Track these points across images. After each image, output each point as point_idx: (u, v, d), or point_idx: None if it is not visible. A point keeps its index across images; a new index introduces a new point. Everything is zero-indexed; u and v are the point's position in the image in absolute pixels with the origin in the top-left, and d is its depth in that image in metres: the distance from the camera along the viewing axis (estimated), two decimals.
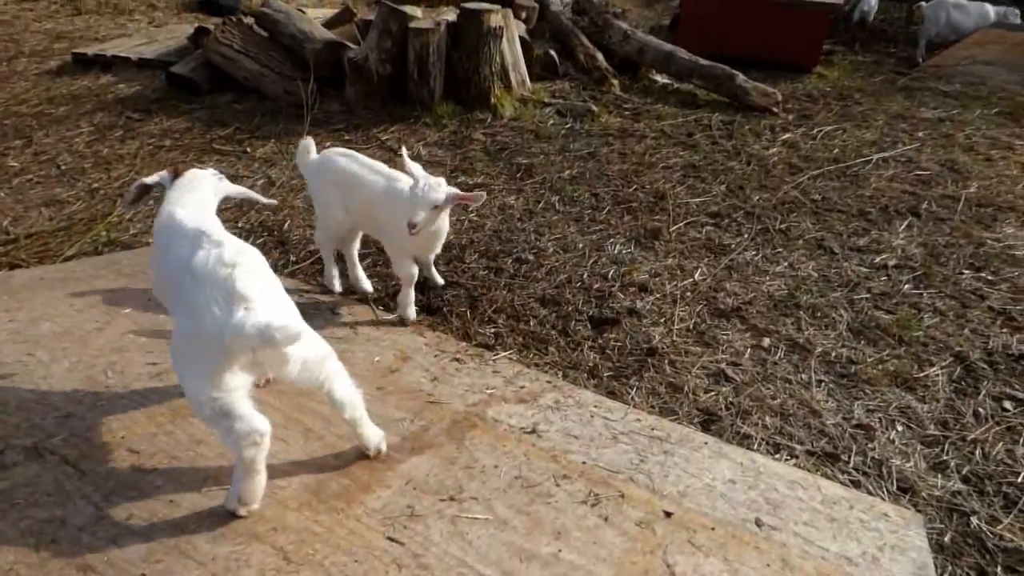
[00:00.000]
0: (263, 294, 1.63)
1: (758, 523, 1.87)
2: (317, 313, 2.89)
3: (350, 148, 4.78)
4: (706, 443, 2.23)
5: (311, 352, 1.71)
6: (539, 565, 1.64)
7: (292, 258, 3.55)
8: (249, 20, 5.97)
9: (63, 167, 4.71)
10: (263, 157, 4.73)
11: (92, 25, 8.28)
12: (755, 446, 2.33)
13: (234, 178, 4.47)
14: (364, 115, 5.32)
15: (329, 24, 6.62)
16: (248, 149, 4.83)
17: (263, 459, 1.63)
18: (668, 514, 1.85)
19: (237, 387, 1.61)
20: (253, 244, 3.36)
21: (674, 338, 2.89)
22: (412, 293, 2.89)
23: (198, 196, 2.10)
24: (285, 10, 5.91)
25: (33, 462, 1.88)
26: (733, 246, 3.62)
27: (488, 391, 2.42)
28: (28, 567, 1.56)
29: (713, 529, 1.82)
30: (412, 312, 2.90)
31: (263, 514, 1.73)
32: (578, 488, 1.93)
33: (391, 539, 1.68)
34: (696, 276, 3.34)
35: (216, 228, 1.88)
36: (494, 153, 4.77)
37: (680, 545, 1.74)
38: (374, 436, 1.94)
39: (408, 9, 5.43)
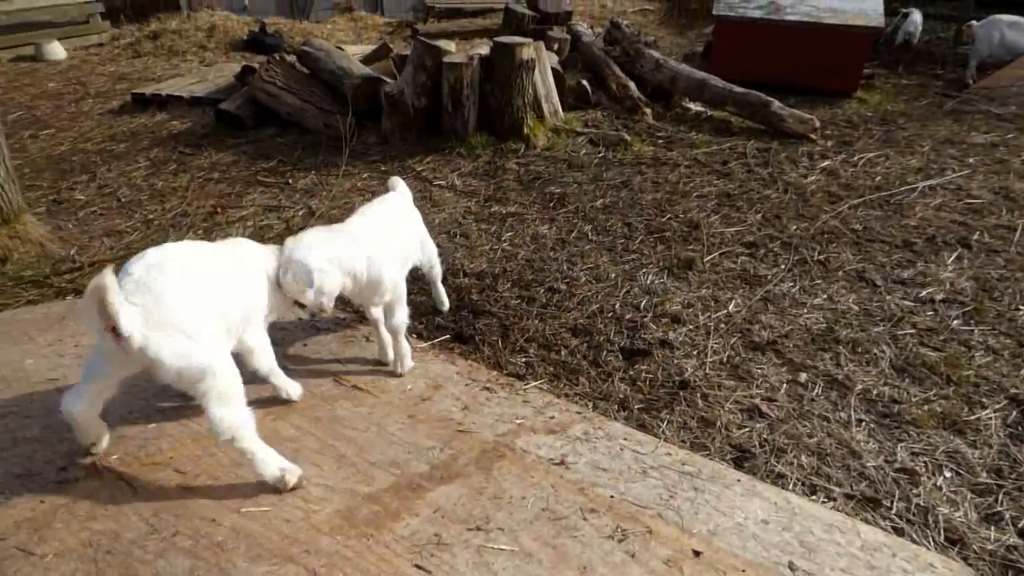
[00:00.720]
0: None
1: (791, 567, 1.83)
2: (353, 341, 2.97)
3: (386, 177, 4.98)
4: (738, 480, 2.20)
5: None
6: None
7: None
8: (291, 58, 6.24)
9: (123, 199, 4.97)
10: (304, 188, 4.90)
11: (149, 66, 8.77)
12: (790, 486, 2.28)
13: (275, 208, 4.66)
14: (400, 147, 5.48)
15: (367, 60, 6.87)
16: (290, 181, 5.02)
17: None
18: (697, 553, 1.83)
19: None
20: None
21: (707, 371, 2.87)
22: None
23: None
24: (325, 48, 6.16)
25: (93, 479, 1.98)
26: (769, 277, 3.58)
27: (518, 421, 2.44)
28: (89, 574, 1.64)
29: (744, 571, 1.79)
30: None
31: (297, 537, 1.78)
32: (605, 523, 1.93)
33: (418, 567, 1.71)
34: (730, 307, 3.31)
35: None
36: (527, 182, 4.84)
37: None
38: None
39: (442, 44, 5.61)
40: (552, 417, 2.49)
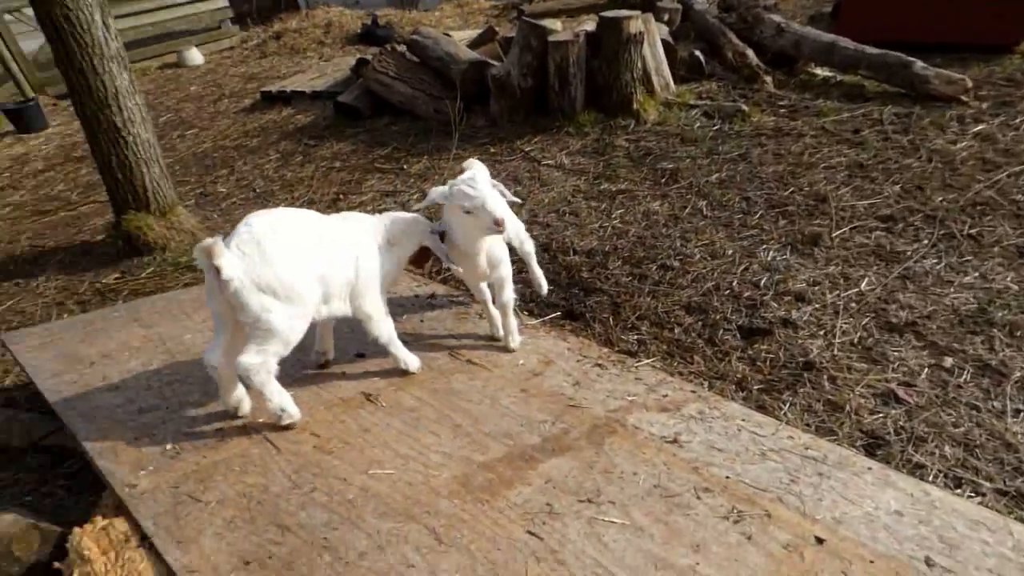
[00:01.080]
0: None
1: (928, 562, 1.70)
2: (467, 318, 3.06)
3: (495, 159, 5.08)
4: (869, 468, 2.05)
5: None
6: (675, 575, 1.63)
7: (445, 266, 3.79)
8: (402, 48, 6.47)
9: (258, 190, 5.42)
10: (417, 173, 5.09)
11: (275, 65, 9.42)
12: (930, 477, 2.11)
13: (392, 193, 4.88)
14: (508, 128, 5.54)
15: (473, 44, 6.97)
16: (404, 166, 5.23)
17: None
18: (820, 540, 1.74)
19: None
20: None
21: (835, 352, 2.70)
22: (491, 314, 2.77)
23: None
24: (433, 35, 6.32)
25: (244, 438, 2.21)
26: (909, 253, 3.29)
27: (629, 398, 2.43)
28: (243, 521, 1.85)
29: (872, 562, 1.68)
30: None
31: (419, 498, 1.89)
32: (720, 503, 1.88)
33: (530, 532, 1.76)
34: (863, 286, 3.08)
35: None
36: (637, 159, 4.74)
37: (832, 575, 1.64)
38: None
39: (547, 23, 5.57)
40: (665, 395, 2.45)
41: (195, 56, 10.64)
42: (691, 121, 5.22)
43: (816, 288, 3.10)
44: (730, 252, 3.47)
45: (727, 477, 2.00)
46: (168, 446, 2.12)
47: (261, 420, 2.26)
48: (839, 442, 2.26)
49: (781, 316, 2.94)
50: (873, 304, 2.95)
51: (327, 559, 1.67)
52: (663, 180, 4.39)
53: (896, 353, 2.66)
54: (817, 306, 2.98)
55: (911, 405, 2.40)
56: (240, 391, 2.28)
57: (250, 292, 2.00)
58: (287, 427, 2.22)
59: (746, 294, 3.12)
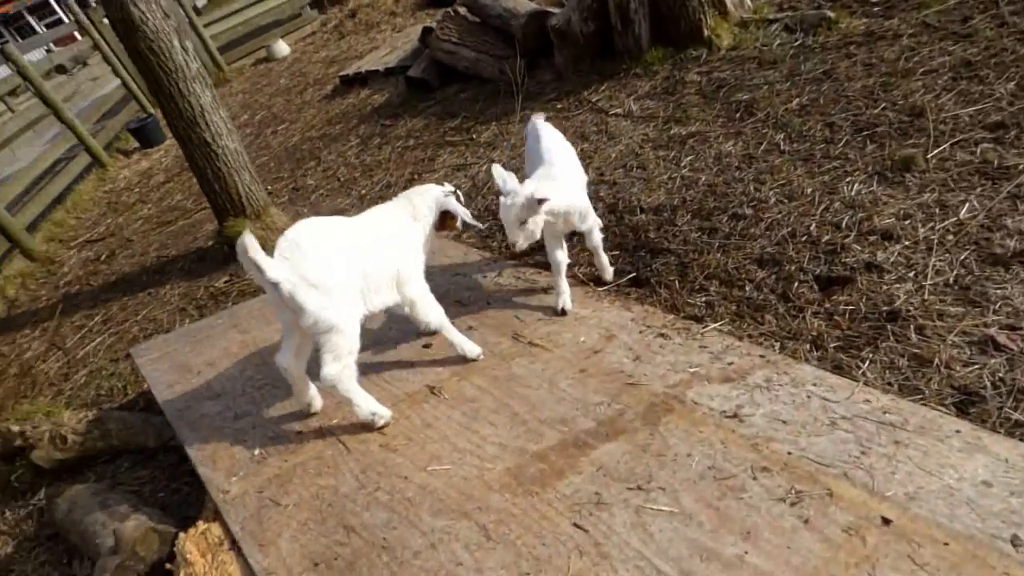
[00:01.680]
0: None
1: (1015, 542, 1.54)
2: (531, 294, 3.08)
3: (562, 115, 4.94)
4: (957, 431, 1.86)
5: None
6: (720, 566, 1.60)
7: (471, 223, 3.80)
8: (463, 10, 6.36)
9: (341, 179, 5.67)
10: (486, 141, 5.08)
11: (353, 45, 9.62)
12: None
13: (462, 167, 4.92)
14: (574, 79, 5.34)
15: None
16: (473, 136, 5.23)
17: None
18: (886, 521, 1.63)
19: None
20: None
21: (925, 296, 2.44)
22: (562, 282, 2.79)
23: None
24: None
25: (320, 440, 2.41)
26: (1022, 167, 2.85)
27: (691, 369, 2.35)
28: (315, 523, 2.04)
29: (946, 544, 1.55)
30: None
31: (472, 494, 1.99)
32: (778, 483, 1.81)
33: (576, 525, 1.80)
34: (962, 213, 2.73)
35: None
36: (710, 94, 4.42)
37: (896, 560, 1.53)
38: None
39: None
40: (730, 363, 2.35)
41: (282, 48, 11.13)
42: (770, 39, 4.75)
43: (906, 222, 2.78)
44: (809, 191, 3.18)
45: (789, 453, 1.91)
46: (256, 451, 2.36)
47: (335, 422, 2.44)
48: (926, 401, 2.07)
49: (864, 260, 2.68)
50: (974, 234, 2.61)
51: (384, 559, 1.82)
52: (737, 115, 4.07)
53: (999, 291, 2.35)
54: (907, 243, 2.68)
55: (1014, 352, 2.13)
56: (312, 390, 2.48)
57: (302, 290, 2.15)
58: (382, 428, 2.35)
59: (825, 238, 2.87)
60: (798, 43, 4.54)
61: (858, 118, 3.56)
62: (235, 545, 1.97)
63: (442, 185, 2.73)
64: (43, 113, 7.85)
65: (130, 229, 6.43)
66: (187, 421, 2.62)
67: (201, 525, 2.07)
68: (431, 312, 2.52)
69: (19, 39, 27.97)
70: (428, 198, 2.64)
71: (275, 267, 2.10)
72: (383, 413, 2.35)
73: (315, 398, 2.50)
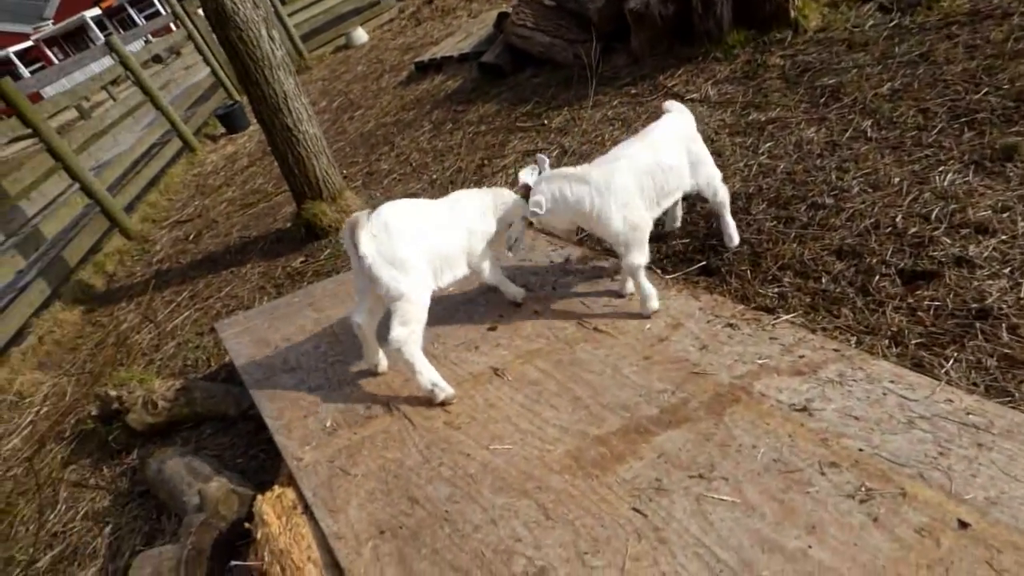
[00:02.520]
0: None
1: None
2: (599, 281, 3.07)
3: (637, 100, 4.86)
4: None
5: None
6: (782, 559, 1.57)
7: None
8: None
9: (414, 164, 5.79)
10: (558, 127, 5.06)
11: (429, 31, 9.75)
12: None
13: (533, 152, 4.92)
14: (650, 63, 5.23)
15: None
16: (545, 121, 5.22)
17: None
18: (964, 524, 1.55)
19: None
20: None
21: (1021, 294, 2.28)
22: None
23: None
24: None
25: (387, 415, 2.50)
26: None
27: (760, 361, 2.30)
28: (382, 492, 2.13)
29: None
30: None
31: (532, 473, 2.02)
32: (847, 479, 1.75)
33: (635, 510, 1.80)
34: None
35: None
36: (793, 78, 4.24)
37: (972, 565, 1.46)
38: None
39: None
40: (802, 356, 2.28)
41: (360, 35, 11.42)
42: (862, 19, 4.51)
43: (1004, 215, 2.60)
44: (896, 180, 3.02)
45: (860, 450, 1.84)
46: (328, 423, 2.48)
47: (402, 397, 2.53)
48: (1014, 405, 1.94)
49: (954, 254, 2.53)
50: None
51: (447, 531, 1.88)
52: (821, 100, 3.89)
53: None
54: (1004, 238, 2.51)
55: None
56: (380, 351, 2.72)
57: (381, 266, 2.41)
58: (443, 403, 2.43)
59: (912, 230, 2.72)
60: (893, 24, 4.28)
61: (956, 104, 3.33)
62: (307, 510, 2.09)
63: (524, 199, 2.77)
64: (141, 100, 8.38)
65: (215, 211, 6.79)
66: (265, 392, 2.77)
67: (277, 489, 2.19)
68: (492, 274, 2.83)
69: (121, 31, 29.94)
70: (515, 210, 2.81)
71: (366, 243, 2.39)
72: (444, 387, 2.44)
73: (381, 359, 2.73)
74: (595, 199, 2.52)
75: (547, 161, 2.68)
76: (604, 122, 4.84)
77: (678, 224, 3.37)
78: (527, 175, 2.71)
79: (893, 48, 4.05)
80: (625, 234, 2.54)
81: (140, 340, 4.70)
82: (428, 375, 2.43)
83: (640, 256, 2.57)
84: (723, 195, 2.95)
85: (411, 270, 2.44)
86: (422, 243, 2.50)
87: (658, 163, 2.63)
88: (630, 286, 2.79)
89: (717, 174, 2.90)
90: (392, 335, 2.40)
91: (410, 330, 2.41)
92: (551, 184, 2.57)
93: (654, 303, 2.63)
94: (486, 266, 2.80)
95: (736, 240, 3.06)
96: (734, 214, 3.28)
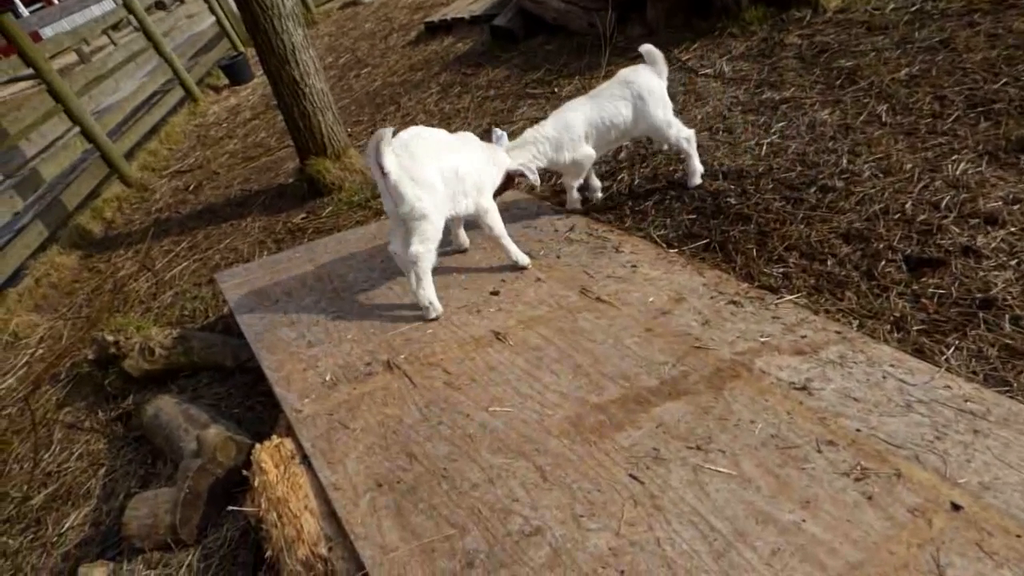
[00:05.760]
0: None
1: None
2: (602, 251, 3.06)
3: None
4: None
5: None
6: (776, 531, 1.59)
7: (587, 194, 3.76)
8: None
9: (420, 125, 5.71)
10: (568, 96, 4.97)
11: None
12: None
13: (540, 120, 4.85)
14: (665, 36, 5.15)
15: None
16: (555, 89, 5.15)
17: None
18: (956, 507, 1.57)
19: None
20: (555, 181, 3.78)
21: None
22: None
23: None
24: None
25: (387, 372, 2.50)
26: None
27: (762, 339, 2.30)
28: (380, 447, 2.14)
29: (1019, 536, 1.49)
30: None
31: (531, 436, 2.03)
32: (843, 458, 1.76)
33: (632, 476, 1.81)
34: None
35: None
36: (810, 59, 4.18)
37: (963, 546, 1.48)
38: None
39: None
40: (803, 336, 2.29)
41: None
42: (883, 2, 4.44)
43: (1015, 207, 2.59)
44: (908, 167, 3.00)
45: (857, 430, 1.86)
46: (327, 377, 2.48)
47: (402, 357, 2.53)
48: (1012, 395, 1.96)
49: (962, 243, 2.52)
50: None
51: (444, 487, 1.89)
52: (837, 82, 3.84)
53: None
54: (1013, 230, 2.50)
55: None
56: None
57: (406, 184, 2.53)
58: (434, 319, 2.70)
59: (920, 218, 2.71)
60: (915, 8, 4.21)
61: (974, 92, 3.30)
62: (305, 460, 2.10)
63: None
64: (144, 47, 8.21)
65: (216, 162, 6.71)
66: (265, 344, 2.77)
67: (275, 439, 2.20)
68: (497, 222, 2.90)
69: None
70: (503, 163, 3.02)
71: (390, 160, 2.49)
72: (438, 308, 2.71)
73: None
74: (550, 149, 3.15)
75: (504, 135, 3.10)
76: None
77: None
78: None
79: (913, 33, 3.99)
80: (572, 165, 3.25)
81: (137, 288, 4.68)
82: (429, 293, 2.68)
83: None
84: (676, 145, 3.32)
85: (431, 189, 2.58)
86: (440, 164, 2.64)
87: (601, 116, 3.19)
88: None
89: (667, 125, 3.24)
90: (411, 250, 2.60)
91: (427, 248, 2.62)
92: (524, 154, 3.11)
93: (576, 204, 3.47)
94: (491, 208, 2.89)
95: (693, 183, 3.42)
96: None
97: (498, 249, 3.01)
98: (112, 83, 7.34)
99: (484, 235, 2.98)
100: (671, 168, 3.69)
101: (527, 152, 3.14)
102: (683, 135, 3.27)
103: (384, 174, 2.50)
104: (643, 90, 3.17)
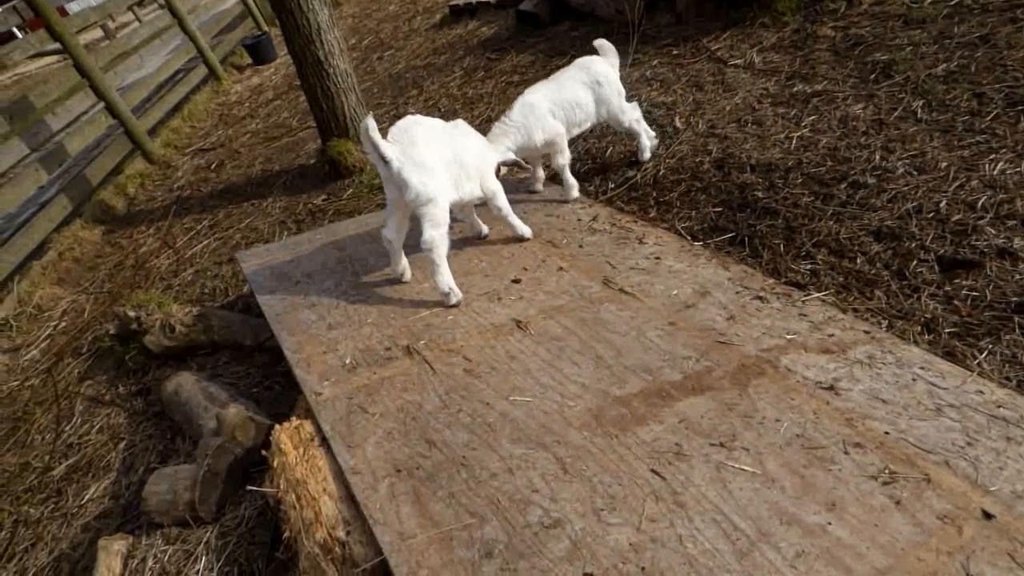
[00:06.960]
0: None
1: None
2: (625, 242, 3.02)
3: (677, 62, 4.72)
4: None
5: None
6: (800, 532, 1.57)
7: (611, 185, 3.72)
8: None
9: (442, 109, 5.67)
10: None
11: None
12: None
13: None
14: (695, 25, 5.05)
15: None
16: None
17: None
18: (988, 515, 1.54)
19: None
20: (578, 170, 3.78)
21: None
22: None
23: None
24: None
25: (407, 358, 2.49)
26: None
27: (788, 336, 2.26)
28: (399, 433, 2.13)
29: None
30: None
31: (551, 427, 2.01)
32: (871, 461, 1.73)
33: (654, 471, 1.79)
34: None
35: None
36: (843, 51, 4.08)
37: (994, 556, 1.45)
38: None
39: None
40: (831, 335, 2.24)
41: None
42: None
43: None
44: (943, 165, 2.92)
45: (886, 433, 1.82)
46: (347, 360, 2.48)
47: (422, 343, 2.52)
48: None
49: (998, 245, 2.46)
50: None
51: (463, 476, 1.88)
52: (872, 77, 3.75)
53: None
54: None
55: None
56: (404, 261, 2.93)
57: (411, 169, 2.55)
58: (454, 306, 2.69)
59: (955, 217, 2.64)
60: (955, 2, 4.09)
61: (1014, 90, 3.20)
62: (324, 442, 2.10)
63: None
64: (168, 24, 8.22)
65: (238, 141, 6.72)
66: (285, 325, 2.77)
67: (295, 421, 2.20)
68: (505, 204, 2.99)
69: None
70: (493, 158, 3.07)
71: (388, 147, 2.52)
72: (457, 293, 2.69)
73: (406, 269, 2.95)
74: (521, 136, 3.19)
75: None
76: (642, 82, 4.71)
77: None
78: None
79: (952, 28, 3.88)
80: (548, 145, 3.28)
81: (159, 265, 4.71)
82: (447, 279, 2.67)
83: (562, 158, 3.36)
84: (629, 128, 3.57)
85: (434, 172, 2.60)
86: (439, 149, 2.66)
87: (563, 96, 3.31)
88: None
89: (621, 111, 3.48)
90: (424, 237, 2.61)
91: (440, 233, 2.62)
92: (498, 148, 3.12)
93: (574, 192, 3.44)
94: (498, 189, 2.95)
95: (645, 158, 3.71)
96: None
97: (507, 229, 3.13)
98: (136, 60, 7.36)
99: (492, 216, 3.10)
100: (697, 159, 3.63)
101: (500, 146, 3.16)
102: (634, 117, 3.56)
103: (386, 162, 2.51)
104: (600, 76, 3.37)
